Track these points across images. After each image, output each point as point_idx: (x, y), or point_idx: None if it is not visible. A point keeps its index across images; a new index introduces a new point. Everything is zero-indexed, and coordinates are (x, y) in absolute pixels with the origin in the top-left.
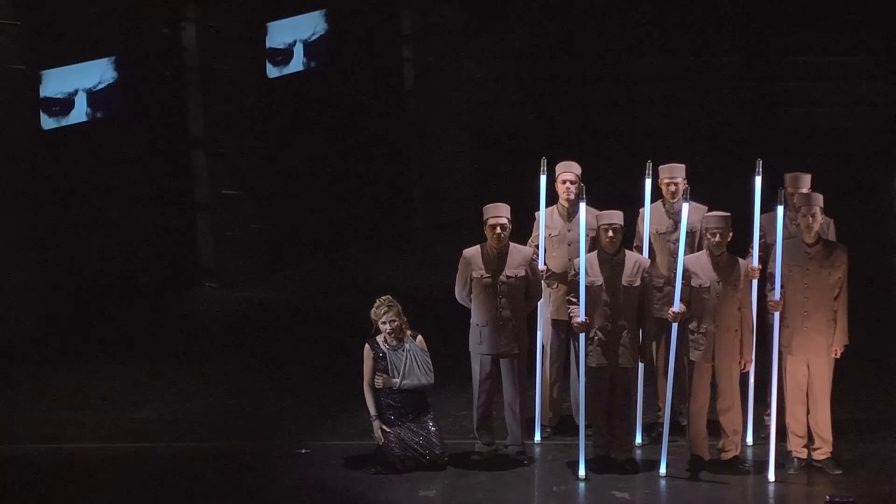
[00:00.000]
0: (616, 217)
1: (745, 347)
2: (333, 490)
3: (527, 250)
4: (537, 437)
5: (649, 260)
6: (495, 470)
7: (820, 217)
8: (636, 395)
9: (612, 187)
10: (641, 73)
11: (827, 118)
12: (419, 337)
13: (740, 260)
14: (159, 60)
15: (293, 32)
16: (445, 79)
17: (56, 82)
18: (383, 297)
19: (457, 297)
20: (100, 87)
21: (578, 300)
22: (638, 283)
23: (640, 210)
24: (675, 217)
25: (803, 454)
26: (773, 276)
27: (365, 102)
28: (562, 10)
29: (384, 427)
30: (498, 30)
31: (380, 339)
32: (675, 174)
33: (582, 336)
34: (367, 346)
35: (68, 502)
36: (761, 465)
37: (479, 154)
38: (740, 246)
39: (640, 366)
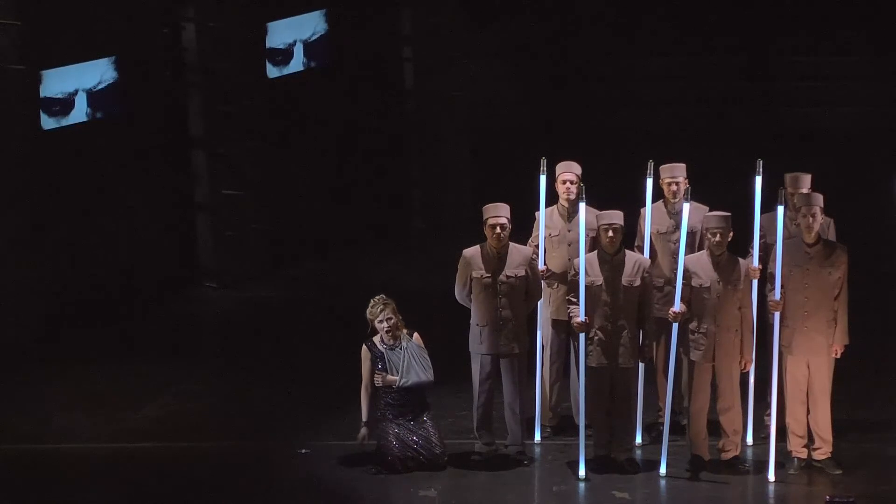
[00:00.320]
0: (616, 217)
1: (745, 347)
2: (333, 490)
3: (526, 250)
4: (537, 437)
5: (649, 260)
6: (495, 470)
7: (820, 217)
8: (636, 395)
9: (612, 187)
10: (641, 73)
11: (827, 118)
12: (416, 335)
13: (741, 260)
14: (159, 60)
15: (293, 32)
16: (445, 79)
17: (56, 82)
18: (377, 297)
19: (456, 297)
20: (100, 87)
21: (578, 300)
22: (638, 282)
23: (642, 210)
24: (676, 217)
25: (803, 454)
26: (773, 276)
27: (365, 102)
28: (562, 9)
29: (385, 430)
30: (498, 29)
31: (376, 339)
32: (675, 173)
33: (582, 336)
34: (364, 347)
35: (68, 502)
36: (761, 465)
37: (479, 154)
38: (740, 246)
39: (640, 366)
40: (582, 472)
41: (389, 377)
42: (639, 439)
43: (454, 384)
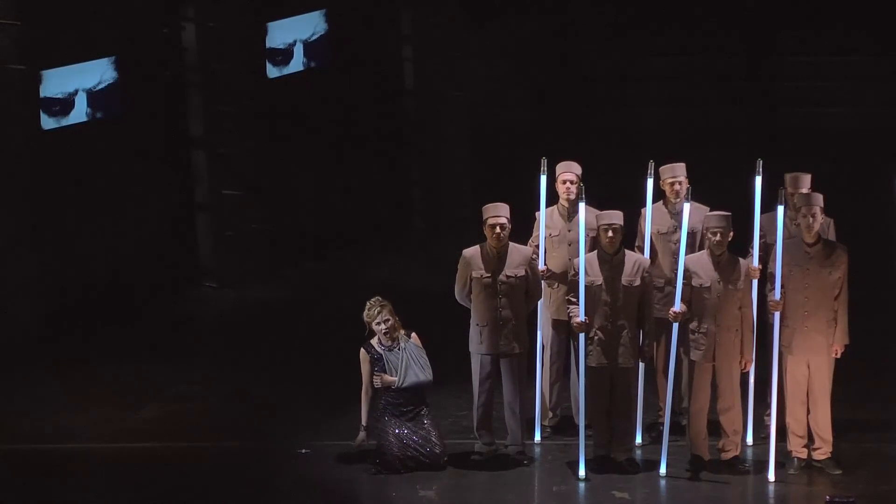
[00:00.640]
0: (616, 217)
1: (745, 347)
2: (333, 490)
3: (526, 250)
4: (537, 437)
5: (649, 260)
6: (495, 470)
7: (820, 217)
8: (636, 395)
9: (613, 187)
10: (641, 73)
11: (827, 118)
12: (413, 335)
13: (741, 260)
14: (159, 60)
15: (293, 32)
16: (445, 79)
17: (56, 82)
18: (373, 299)
19: (456, 297)
20: (100, 87)
21: (578, 300)
22: (638, 282)
23: (642, 210)
24: (676, 217)
25: (803, 454)
26: (773, 275)
27: (365, 102)
28: (562, 9)
29: (385, 430)
30: (498, 29)
31: (374, 341)
32: (677, 173)
33: (582, 336)
34: (362, 350)
35: (68, 502)
36: (761, 465)
37: (479, 154)
38: (740, 246)
39: (641, 366)
40: (582, 472)
41: (388, 378)
42: (639, 439)
43: (454, 384)
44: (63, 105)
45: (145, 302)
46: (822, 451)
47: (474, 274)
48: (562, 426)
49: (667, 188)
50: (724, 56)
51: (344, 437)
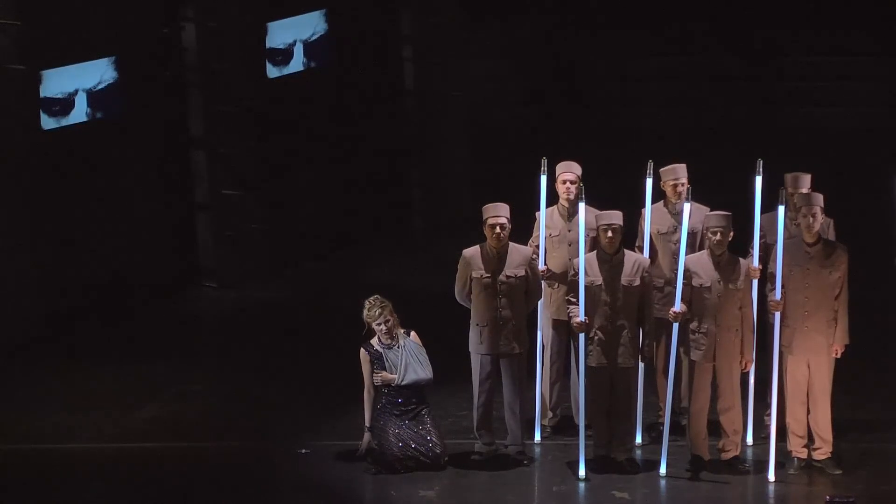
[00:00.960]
0: (616, 217)
1: (745, 347)
2: (333, 490)
3: (526, 250)
4: (537, 437)
5: (649, 260)
6: (495, 470)
7: (820, 217)
8: (636, 395)
9: (612, 187)
10: (641, 73)
11: (827, 118)
12: (413, 333)
13: (741, 260)
14: (159, 60)
15: (293, 32)
16: (445, 79)
17: (56, 82)
18: (372, 298)
19: (456, 297)
20: (100, 87)
21: (578, 300)
22: (637, 282)
23: (642, 210)
24: (676, 217)
25: (803, 454)
26: (773, 275)
27: (365, 102)
28: (562, 9)
29: (385, 430)
30: (497, 29)
31: (374, 340)
32: (679, 175)
33: (582, 336)
34: (361, 350)
35: (68, 502)
36: (761, 465)
37: (479, 154)
38: (740, 246)
39: (641, 366)
40: (582, 472)
41: (388, 375)
42: (639, 439)
43: (454, 384)
44: (63, 105)
45: (145, 302)
46: (822, 451)
47: (474, 274)
48: (562, 426)
49: (669, 189)
50: (724, 56)
51: (344, 437)
